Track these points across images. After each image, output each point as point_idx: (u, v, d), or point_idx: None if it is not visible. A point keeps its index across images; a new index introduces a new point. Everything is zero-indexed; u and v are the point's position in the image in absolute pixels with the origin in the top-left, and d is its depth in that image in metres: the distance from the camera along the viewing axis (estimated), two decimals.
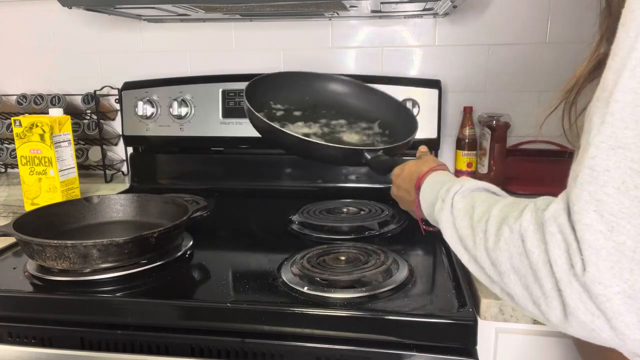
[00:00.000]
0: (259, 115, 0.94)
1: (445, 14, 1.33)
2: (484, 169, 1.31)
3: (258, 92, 1.03)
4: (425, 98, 1.27)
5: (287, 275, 0.80)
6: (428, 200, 0.70)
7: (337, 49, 1.42)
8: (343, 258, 0.85)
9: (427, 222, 0.72)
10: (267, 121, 0.94)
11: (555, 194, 0.50)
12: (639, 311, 0.39)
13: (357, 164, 0.94)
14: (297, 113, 1.09)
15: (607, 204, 0.40)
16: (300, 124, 1.07)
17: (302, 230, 1.04)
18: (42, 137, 1.17)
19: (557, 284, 0.43)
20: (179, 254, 0.90)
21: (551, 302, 0.44)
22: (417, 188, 0.73)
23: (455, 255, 0.88)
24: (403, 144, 0.97)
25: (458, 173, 1.34)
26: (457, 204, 0.59)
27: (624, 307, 0.39)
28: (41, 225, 0.91)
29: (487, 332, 0.76)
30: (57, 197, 1.19)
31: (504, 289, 0.50)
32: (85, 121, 1.49)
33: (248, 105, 0.95)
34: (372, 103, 1.13)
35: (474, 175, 1.32)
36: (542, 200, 0.48)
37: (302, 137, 0.93)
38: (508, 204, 0.52)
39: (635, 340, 0.40)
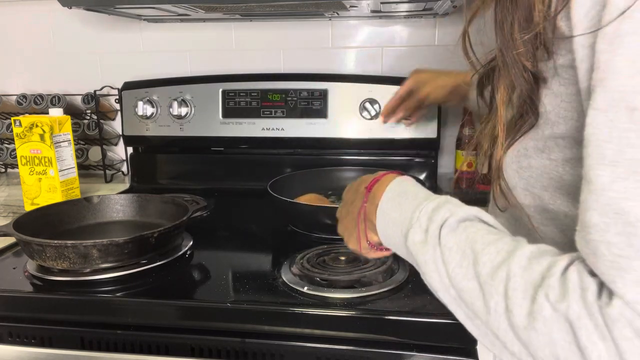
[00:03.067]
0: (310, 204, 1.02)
1: (445, 14, 1.33)
2: (484, 169, 1.30)
3: (281, 188, 1.09)
4: None
5: (287, 275, 0.80)
6: (390, 217, 0.54)
7: (337, 49, 1.42)
8: (343, 258, 0.85)
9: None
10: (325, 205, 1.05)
11: None
12: None
13: None
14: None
15: None
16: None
17: (302, 230, 1.04)
18: (42, 137, 1.17)
19: None
20: (179, 254, 0.90)
21: None
22: (369, 189, 0.60)
23: None
24: None
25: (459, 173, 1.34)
26: (446, 241, 0.46)
27: None
28: (41, 225, 0.91)
29: None
30: (57, 197, 1.19)
31: None
32: (85, 121, 1.50)
33: (284, 199, 1.02)
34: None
35: (475, 175, 1.32)
36: (582, 273, 0.39)
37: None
38: (532, 259, 0.42)
39: None
